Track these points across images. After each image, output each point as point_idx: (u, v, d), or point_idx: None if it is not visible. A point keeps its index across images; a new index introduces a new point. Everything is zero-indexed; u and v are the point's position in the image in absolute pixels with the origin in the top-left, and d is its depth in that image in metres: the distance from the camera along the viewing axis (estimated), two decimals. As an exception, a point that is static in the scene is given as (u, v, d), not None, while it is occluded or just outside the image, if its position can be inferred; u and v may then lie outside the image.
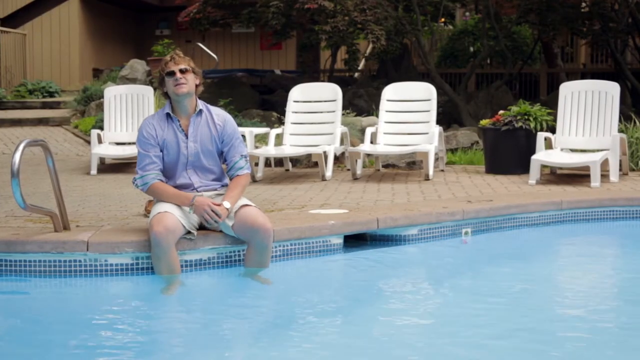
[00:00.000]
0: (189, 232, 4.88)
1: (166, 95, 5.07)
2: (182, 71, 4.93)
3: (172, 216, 4.77)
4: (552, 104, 8.99)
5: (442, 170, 9.25)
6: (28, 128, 13.63)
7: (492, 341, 3.83)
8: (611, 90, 8.65)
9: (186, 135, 5.02)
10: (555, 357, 3.64)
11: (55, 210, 5.11)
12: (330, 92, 9.36)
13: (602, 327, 4.13)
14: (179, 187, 5.02)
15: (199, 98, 5.16)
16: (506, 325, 4.10)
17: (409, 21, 13.49)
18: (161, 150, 5.00)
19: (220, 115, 5.12)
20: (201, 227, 4.99)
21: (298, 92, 9.44)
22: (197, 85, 5.05)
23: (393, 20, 12.55)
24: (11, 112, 14.80)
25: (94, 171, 9.34)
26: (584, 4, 14.10)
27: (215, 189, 5.11)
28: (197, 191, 5.05)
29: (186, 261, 4.93)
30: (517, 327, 4.07)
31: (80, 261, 4.83)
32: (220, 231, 4.97)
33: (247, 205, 4.94)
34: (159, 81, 5.09)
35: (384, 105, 9.24)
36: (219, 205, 4.84)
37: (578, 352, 3.70)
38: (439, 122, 10.65)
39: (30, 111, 15.04)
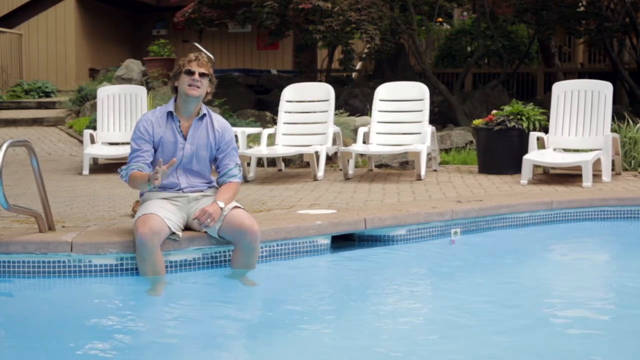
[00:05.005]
0: (173, 233, 4.86)
1: (175, 90, 5.03)
2: (201, 75, 4.92)
3: (157, 217, 4.75)
4: (548, 103, 8.97)
5: (435, 170, 9.23)
6: (22, 128, 13.63)
7: (482, 341, 3.82)
8: (604, 89, 8.62)
9: (184, 137, 5.00)
10: (546, 356, 3.63)
11: (40, 211, 5.08)
12: (323, 91, 9.34)
13: (593, 327, 4.12)
14: (166, 186, 5.00)
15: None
16: (496, 325, 4.09)
17: (404, 21, 13.47)
18: (155, 149, 4.97)
19: (220, 122, 5.12)
20: (187, 228, 4.98)
21: (291, 92, 9.42)
22: (207, 92, 5.04)
23: (388, 20, 12.52)
24: (6, 112, 14.80)
25: (86, 171, 9.32)
26: (580, 4, 14.08)
27: (202, 190, 5.09)
28: (183, 192, 5.03)
29: (171, 262, 4.91)
30: (508, 327, 4.06)
31: (64, 262, 4.81)
32: (205, 232, 4.95)
33: (234, 207, 4.92)
34: (173, 74, 5.04)
35: (376, 105, 9.22)
36: (209, 208, 4.81)
37: (569, 352, 3.69)
38: (434, 121, 10.64)
39: (25, 111, 15.04)
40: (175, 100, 5.05)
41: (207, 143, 5.03)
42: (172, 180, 5.03)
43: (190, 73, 4.92)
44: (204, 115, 5.05)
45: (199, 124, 5.03)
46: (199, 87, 4.92)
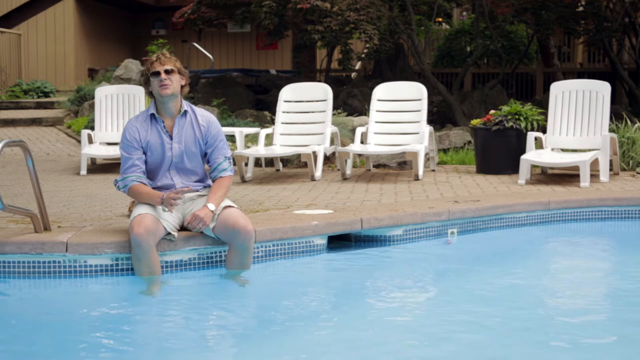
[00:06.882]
0: (169, 233, 4.85)
1: (151, 94, 5.05)
2: (167, 72, 4.90)
3: (152, 217, 4.74)
4: (547, 103, 8.96)
5: (433, 170, 9.21)
6: (21, 128, 13.62)
7: (477, 342, 3.81)
8: (602, 89, 8.60)
9: (170, 137, 4.99)
10: (543, 357, 3.63)
11: (36, 211, 5.07)
12: (321, 91, 9.33)
13: (591, 327, 4.12)
14: (161, 187, 4.99)
15: (187, 99, 5.12)
16: (492, 326, 4.09)
17: (403, 21, 13.46)
18: (145, 153, 4.97)
19: (204, 116, 5.09)
20: (182, 228, 4.97)
21: (289, 92, 9.41)
22: (182, 86, 5.02)
23: (386, 20, 12.52)
24: (5, 113, 14.80)
25: (83, 171, 9.32)
26: (579, 4, 14.07)
27: (198, 190, 5.08)
28: (179, 192, 5.02)
29: (167, 262, 4.91)
30: (504, 327, 4.06)
31: (59, 262, 4.81)
32: (201, 232, 4.94)
33: (228, 206, 4.91)
34: (144, 81, 5.07)
35: (374, 105, 9.20)
36: (200, 212, 4.81)
37: (566, 352, 3.69)
38: (433, 121, 10.62)
39: (24, 111, 15.04)
40: (155, 103, 5.04)
41: (195, 139, 5.02)
42: (167, 182, 5.02)
43: (156, 74, 4.91)
44: (186, 111, 5.03)
45: (182, 122, 5.02)
46: (169, 84, 4.90)
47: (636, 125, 9.31)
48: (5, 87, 17.28)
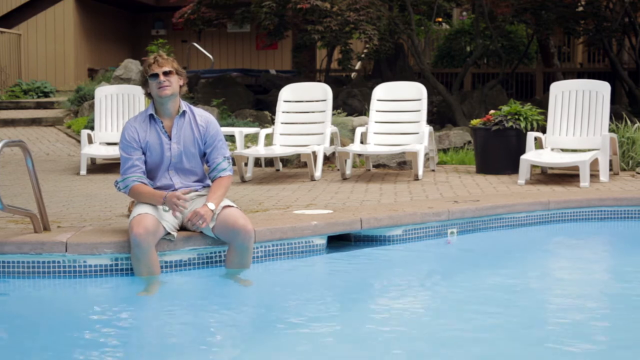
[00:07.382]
0: (168, 233, 4.85)
1: (149, 95, 5.05)
2: (165, 74, 4.91)
3: (152, 217, 4.74)
4: (547, 103, 8.96)
5: (433, 170, 9.21)
6: (21, 128, 13.62)
7: (478, 341, 3.81)
8: (602, 89, 8.60)
9: (169, 137, 5.00)
10: (542, 357, 3.62)
11: (35, 211, 5.07)
12: (320, 91, 9.33)
13: (590, 327, 4.11)
14: (160, 188, 4.99)
15: (186, 99, 5.12)
16: (492, 325, 4.09)
17: (403, 21, 13.46)
18: (144, 153, 4.97)
19: (203, 116, 5.10)
20: (181, 228, 4.97)
21: (288, 92, 9.41)
22: (180, 86, 5.02)
23: (386, 20, 12.52)
24: (5, 113, 14.80)
25: (83, 171, 9.32)
26: (579, 4, 14.07)
27: (197, 190, 5.08)
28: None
29: (166, 262, 4.91)
30: (503, 327, 4.06)
31: (59, 262, 4.81)
32: (200, 232, 4.95)
33: (228, 206, 4.92)
34: (142, 82, 5.07)
35: (374, 105, 9.20)
36: (200, 210, 4.80)
37: (565, 353, 3.68)
38: (433, 121, 10.60)
39: (24, 111, 15.04)
40: (154, 104, 5.05)
41: (193, 139, 5.02)
42: (166, 182, 5.03)
43: (155, 76, 4.91)
44: (184, 111, 5.04)
45: (181, 122, 5.02)
46: (168, 86, 4.91)
47: (636, 125, 9.32)
48: (5, 87, 17.28)
